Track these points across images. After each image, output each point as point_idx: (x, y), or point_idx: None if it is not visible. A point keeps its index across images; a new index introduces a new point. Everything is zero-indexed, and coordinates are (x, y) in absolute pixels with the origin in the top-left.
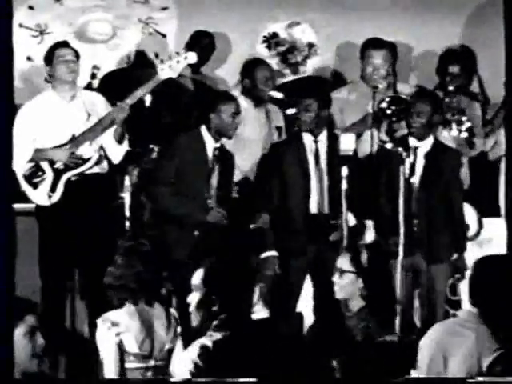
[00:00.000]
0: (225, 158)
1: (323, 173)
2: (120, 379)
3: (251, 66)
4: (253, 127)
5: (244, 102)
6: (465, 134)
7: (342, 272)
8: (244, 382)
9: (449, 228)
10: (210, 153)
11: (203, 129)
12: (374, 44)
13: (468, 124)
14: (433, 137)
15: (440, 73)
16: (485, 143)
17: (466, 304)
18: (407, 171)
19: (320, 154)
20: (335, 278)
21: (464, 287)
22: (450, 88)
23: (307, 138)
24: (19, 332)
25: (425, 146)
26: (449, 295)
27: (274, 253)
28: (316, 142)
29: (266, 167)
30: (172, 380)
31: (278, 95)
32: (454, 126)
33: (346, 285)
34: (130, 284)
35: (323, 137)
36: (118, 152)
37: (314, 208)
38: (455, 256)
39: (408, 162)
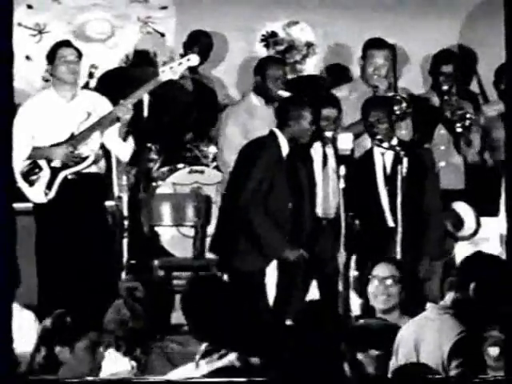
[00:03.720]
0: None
1: (329, 176)
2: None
3: (264, 64)
4: (262, 125)
5: (255, 100)
6: (469, 130)
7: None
8: (241, 382)
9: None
10: (285, 159)
11: (278, 133)
12: (376, 44)
13: (470, 118)
14: (396, 138)
15: (433, 73)
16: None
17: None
18: (381, 177)
19: (328, 157)
20: (381, 289)
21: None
22: (444, 88)
23: (315, 142)
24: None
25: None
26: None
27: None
28: (324, 145)
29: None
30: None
31: (286, 94)
32: (457, 122)
33: (395, 293)
34: (116, 331)
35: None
36: (125, 150)
37: (319, 211)
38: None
39: (380, 168)
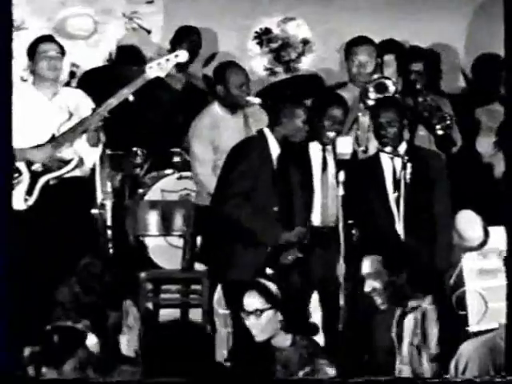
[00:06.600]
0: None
1: (329, 182)
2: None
3: (222, 71)
4: (231, 136)
5: (219, 110)
6: (450, 130)
7: (259, 312)
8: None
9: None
10: (275, 160)
11: (268, 133)
12: (356, 41)
13: (449, 119)
14: (405, 142)
15: (402, 72)
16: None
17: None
18: (390, 185)
19: (328, 162)
20: (250, 321)
21: None
22: (417, 87)
23: (313, 144)
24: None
25: (400, 152)
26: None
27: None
28: (324, 150)
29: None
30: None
31: (256, 100)
32: (436, 125)
33: (266, 324)
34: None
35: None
36: (91, 155)
37: (317, 220)
38: None
39: (389, 174)
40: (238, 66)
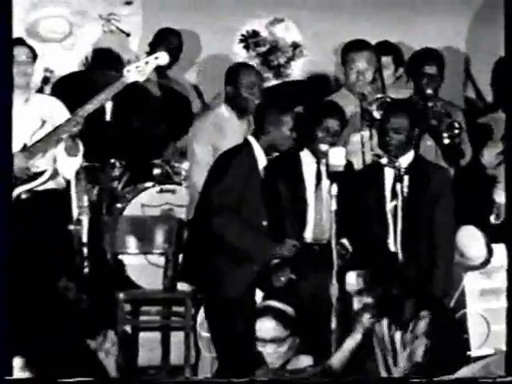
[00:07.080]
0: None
1: (323, 197)
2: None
3: (235, 71)
4: (233, 140)
5: (226, 112)
6: (458, 140)
7: (279, 341)
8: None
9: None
10: (261, 170)
11: (253, 142)
12: (355, 46)
13: (458, 128)
14: (413, 151)
15: (413, 75)
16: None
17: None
18: (388, 195)
19: (322, 175)
20: (267, 350)
21: None
22: (429, 92)
23: (306, 156)
24: None
25: (403, 163)
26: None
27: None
28: (318, 162)
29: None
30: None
31: None
32: (444, 132)
33: (285, 352)
34: None
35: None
36: (70, 166)
37: (309, 236)
38: None
39: (389, 183)
40: (251, 67)
